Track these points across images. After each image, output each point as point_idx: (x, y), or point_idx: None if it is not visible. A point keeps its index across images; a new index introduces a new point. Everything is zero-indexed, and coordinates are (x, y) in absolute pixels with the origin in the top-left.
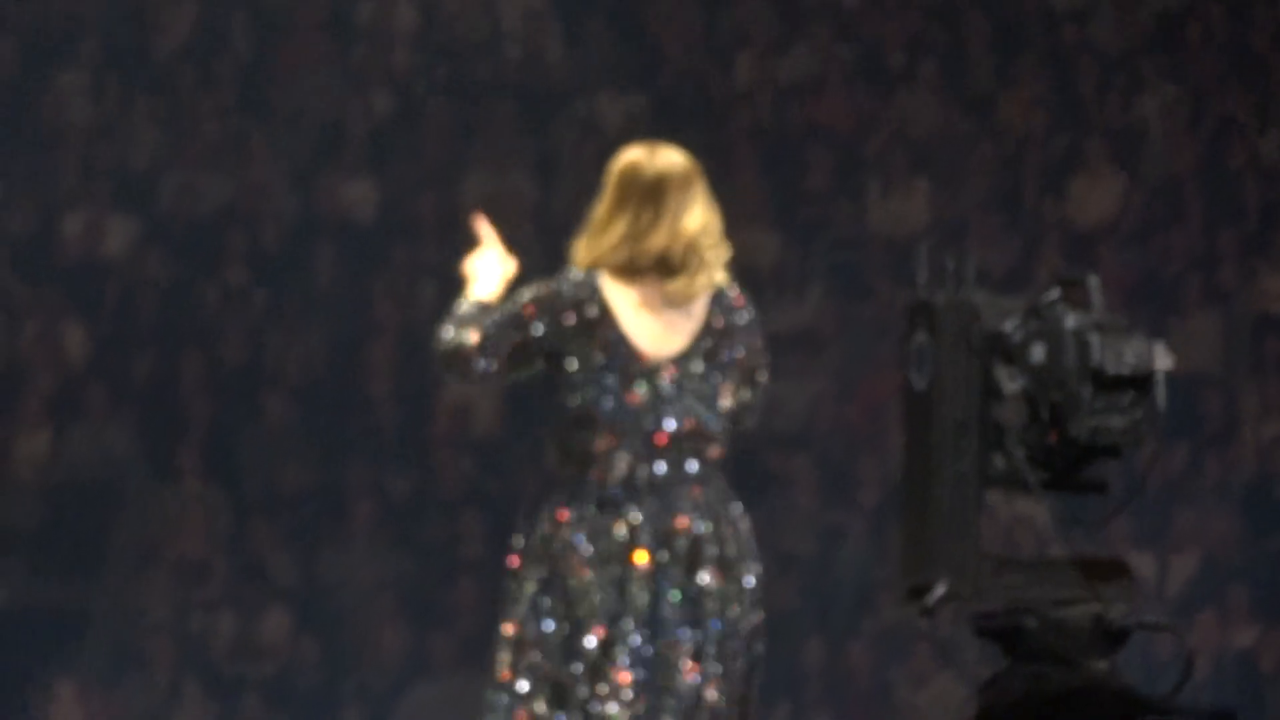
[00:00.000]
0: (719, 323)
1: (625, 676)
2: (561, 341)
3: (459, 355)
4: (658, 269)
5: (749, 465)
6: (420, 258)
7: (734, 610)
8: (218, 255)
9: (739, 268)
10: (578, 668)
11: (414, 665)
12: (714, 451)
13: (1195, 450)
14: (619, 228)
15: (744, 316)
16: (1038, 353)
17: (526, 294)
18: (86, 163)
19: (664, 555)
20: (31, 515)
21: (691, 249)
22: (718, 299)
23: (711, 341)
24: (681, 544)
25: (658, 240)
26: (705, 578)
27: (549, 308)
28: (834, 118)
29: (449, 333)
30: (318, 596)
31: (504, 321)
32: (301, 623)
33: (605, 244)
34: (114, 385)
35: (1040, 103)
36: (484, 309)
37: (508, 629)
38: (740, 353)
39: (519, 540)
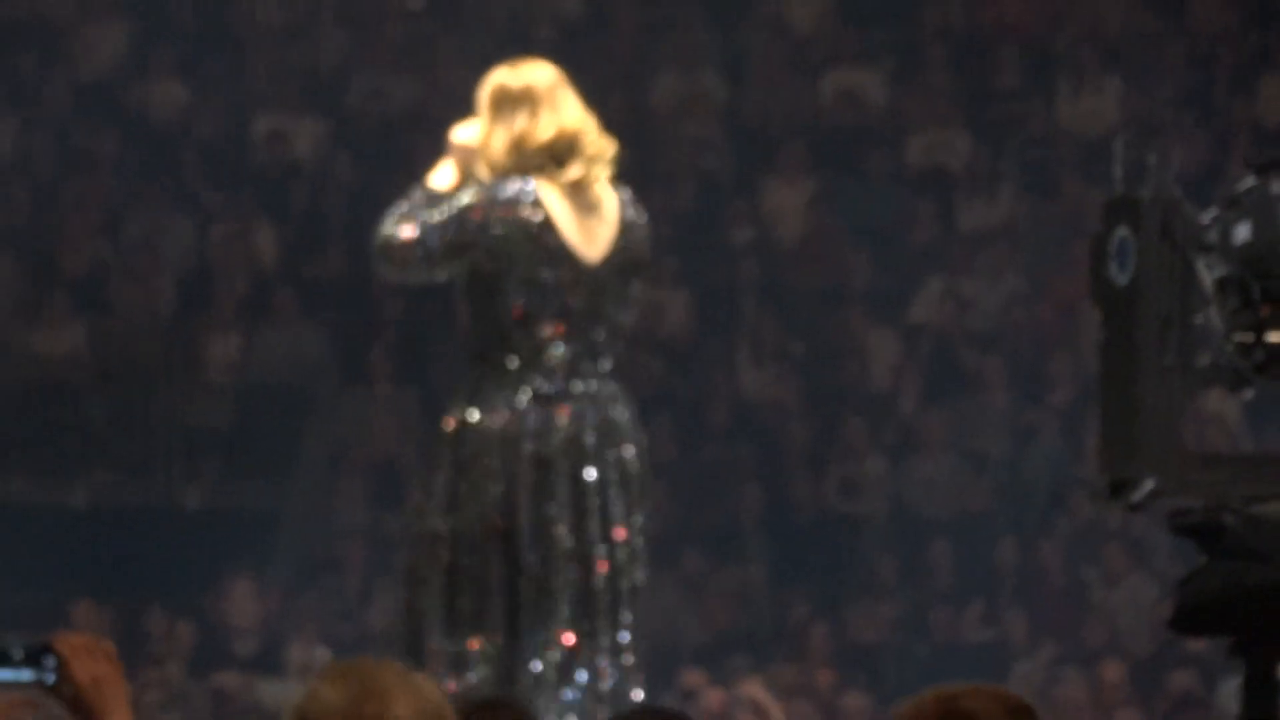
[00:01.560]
0: (628, 224)
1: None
2: (500, 242)
3: (398, 250)
4: (552, 163)
5: (943, 364)
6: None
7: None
8: (406, 157)
9: (933, 167)
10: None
11: None
12: (620, 348)
13: None
14: (501, 136)
15: (644, 217)
16: (1242, 232)
17: (467, 196)
18: (275, 66)
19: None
20: (223, 417)
21: (575, 139)
22: (623, 201)
23: (623, 243)
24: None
25: (542, 136)
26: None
27: (488, 208)
28: (1024, 16)
29: (387, 226)
30: None
31: (446, 220)
32: None
33: (494, 154)
34: (304, 288)
35: (1232, 2)
36: (431, 199)
37: None
38: (644, 254)
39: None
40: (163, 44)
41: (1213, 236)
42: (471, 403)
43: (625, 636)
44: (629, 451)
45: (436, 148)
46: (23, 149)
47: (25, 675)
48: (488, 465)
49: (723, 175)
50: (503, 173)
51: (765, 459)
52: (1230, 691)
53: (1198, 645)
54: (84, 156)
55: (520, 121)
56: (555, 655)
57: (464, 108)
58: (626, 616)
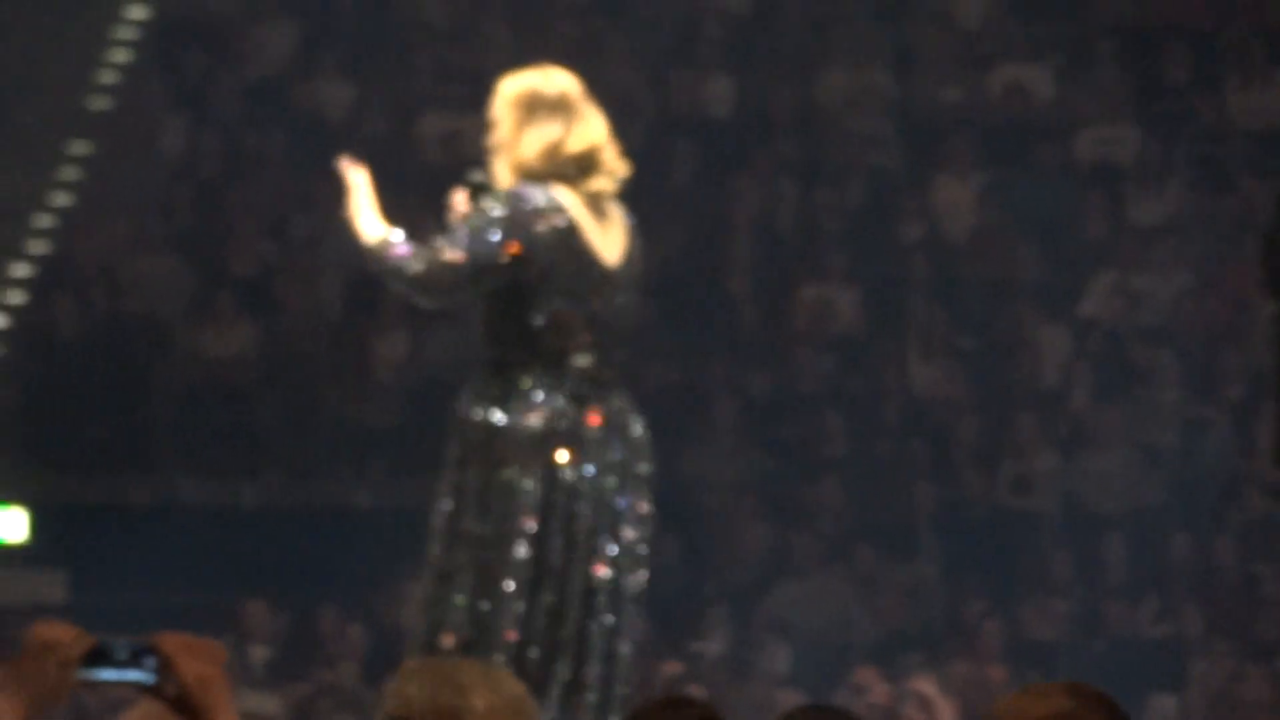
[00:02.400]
0: (631, 231)
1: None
2: (539, 250)
3: (446, 276)
4: (578, 172)
5: (1114, 359)
6: (779, 154)
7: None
8: None
9: (1103, 161)
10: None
11: (776, 564)
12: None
13: None
14: (534, 142)
15: (632, 222)
16: None
17: (497, 210)
18: (442, 65)
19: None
20: (391, 416)
21: (602, 152)
22: (622, 209)
23: (633, 253)
24: None
25: (574, 147)
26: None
27: (522, 222)
28: (1193, 10)
29: (420, 262)
30: (679, 495)
31: (484, 238)
32: (663, 522)
33: (524, 157)
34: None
35: None
36: (400, 234)
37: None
38: (644, 266)
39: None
40: (330, 44)
41: None
42: (502, 406)
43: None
44: (643, 462)
45: None
46: (191, 149)
47: (130, 675)
48: (523, 468)
49: (892, 171)
50: (527, 177)
51: (937, 455)
52: None
53: None
54: (252, 157)
55: (555, 129)
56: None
57: (633, 104)
58: (624, 619)
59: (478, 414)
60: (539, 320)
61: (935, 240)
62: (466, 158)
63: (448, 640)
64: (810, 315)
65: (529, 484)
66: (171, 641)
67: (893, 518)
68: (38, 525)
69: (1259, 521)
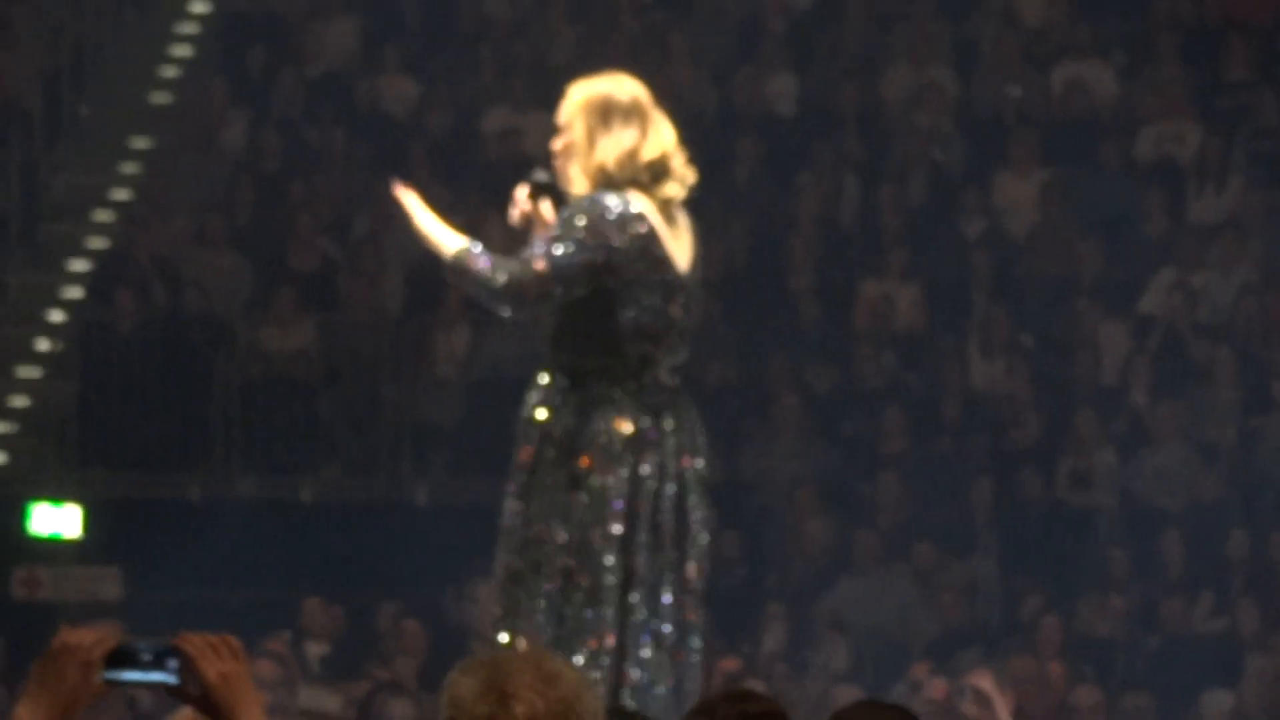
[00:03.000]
0: (697, 236)
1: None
2: (621, 256)
3: (532, 287)
4: (651, 179)
5: (1173, 355)
6: (842, 150)
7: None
8: None
9: (1163, 159)
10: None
11: (835, 561)
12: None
13: None
14: (611, 148)
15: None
16: None
17: (581, 219)
18: (505, 62)
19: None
20: (451, 413)
21: (673, 159)
22: (687, 215)
23: (698, 259)
24: None
25: (650, 154)
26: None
27: (605, 231)
28: (1253, 8)
29: (505, 273)
30: (739, 492)
31: (571, 248)
32: (723, 518)
33: (602, 163)
34: None
35: None
36: (478, 245)
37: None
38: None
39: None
40: (393, 39)
41: None
42: (583, 413)
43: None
44: (701, 463)
45: None
46: (252, 145)
47: (153, 676)
48: (609, 474)
49: (954, 167)
50: (603, 184)
51: (996, 451)
52: None
53: None
54: (313, 153)
55: (631, 135)
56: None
57: (697, 101)
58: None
59: (556, 420)
60: (620, 328)
61: (996, 237)
62: (528, 154)
63: (522, 645)
64: (871, 312)
65: (616, 491)
66: (193, 642)
67: (951, 514)
68: (92, 522)
69: None
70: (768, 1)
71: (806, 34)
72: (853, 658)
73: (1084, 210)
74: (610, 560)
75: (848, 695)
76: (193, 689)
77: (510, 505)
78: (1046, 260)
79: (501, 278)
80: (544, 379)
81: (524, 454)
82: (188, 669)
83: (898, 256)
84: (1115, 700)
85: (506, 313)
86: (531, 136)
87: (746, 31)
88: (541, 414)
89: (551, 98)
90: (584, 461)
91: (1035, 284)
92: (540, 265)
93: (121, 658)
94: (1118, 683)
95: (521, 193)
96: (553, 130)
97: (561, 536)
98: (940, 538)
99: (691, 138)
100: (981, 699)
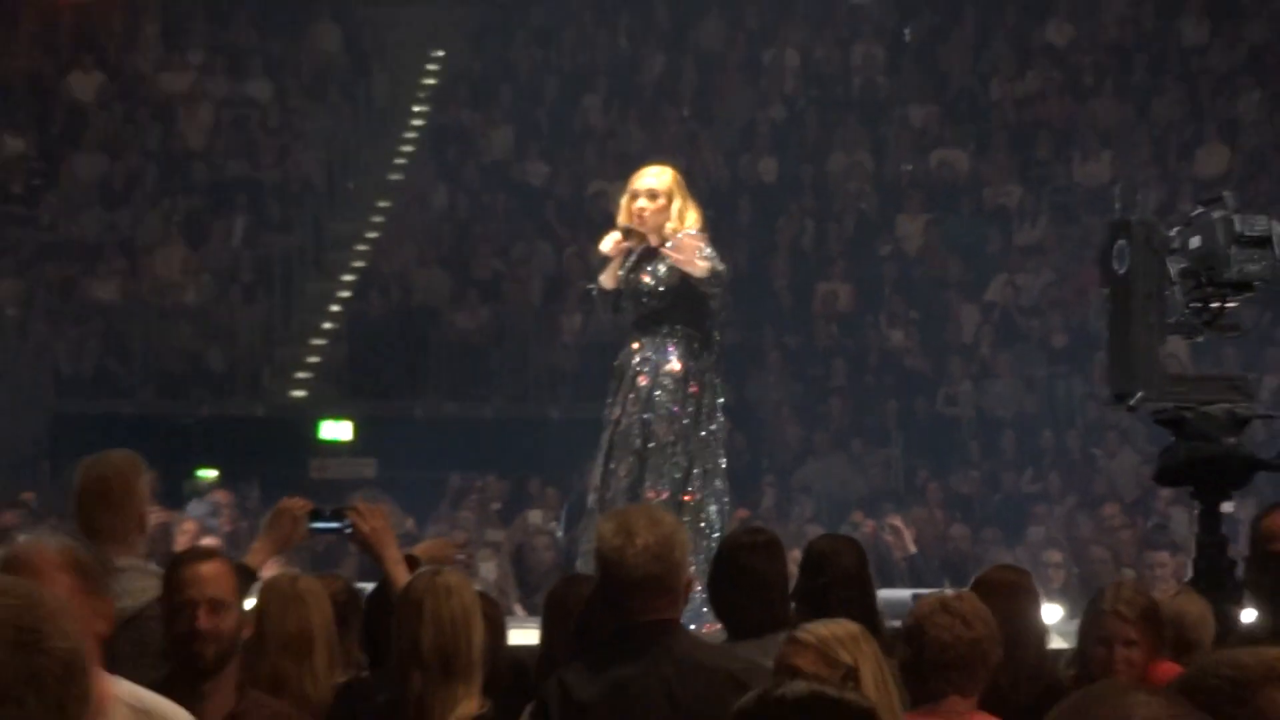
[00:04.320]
0: None
1: None
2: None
3: (723, 278)
4: None
5: (1005, 325)
6: (803, 204)
7: None
8: None
9: (999, 206)
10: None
11: (804, 449)
12: None
13: None
14: (695, 213)
15: None
16: (1194, 241)
17: (708, 248)
18: (600, 151)
19: None
20: (571, 362)
21: None
22: None
23: None
24: None
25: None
26: None
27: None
28: (1050, 113)
29: (718, 264)
30: (746, 409)
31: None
32: (735, 425)
33: (691, 223)
34: None
35: None
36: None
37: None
38: None
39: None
40: (533, 139)
41: (1176, 244)
42: (712, 371)
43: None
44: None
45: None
46: (450, 204)
47: (332, 526)
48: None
49: (872, 213)
50: (699, 228)
51: (900, 384)
52: None
53: None
54: (486, 209)
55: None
56: None
57: (713, 176)
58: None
59: (696, 370)
60: (714, 319)
61: (898, 255)
62: (611, 211)
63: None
64: (823, 300)
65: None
66: (356, 509)
67: (873, 422)
68: (358, 430)
69: (1094, 422)
70: (758, 116)
71: (781, 134)
72: (815, 509)
73: (950, 237)
74: (724, 464)
75: (814, 531)
76: (357, 536)
77: (675, 411)
78: (929, 268)
79: (718, 267)
80: (682, 346)
81: (692, 387)
82: (353, 524)
83: (839, 267)
84: (976, 533)
85: (717, 295)
86: (612, 199)
87: (745, 134)
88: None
89: (626, 173)
90: (693, 388)
91: (922, 282)
92: (720, 265)
93: (315, 515)
94: (976, 523)
95: (614, 236)
96: (619, 194)
97: (698, 436)
98: (868, 436)
99: (713, 197)
100: (896, 532)
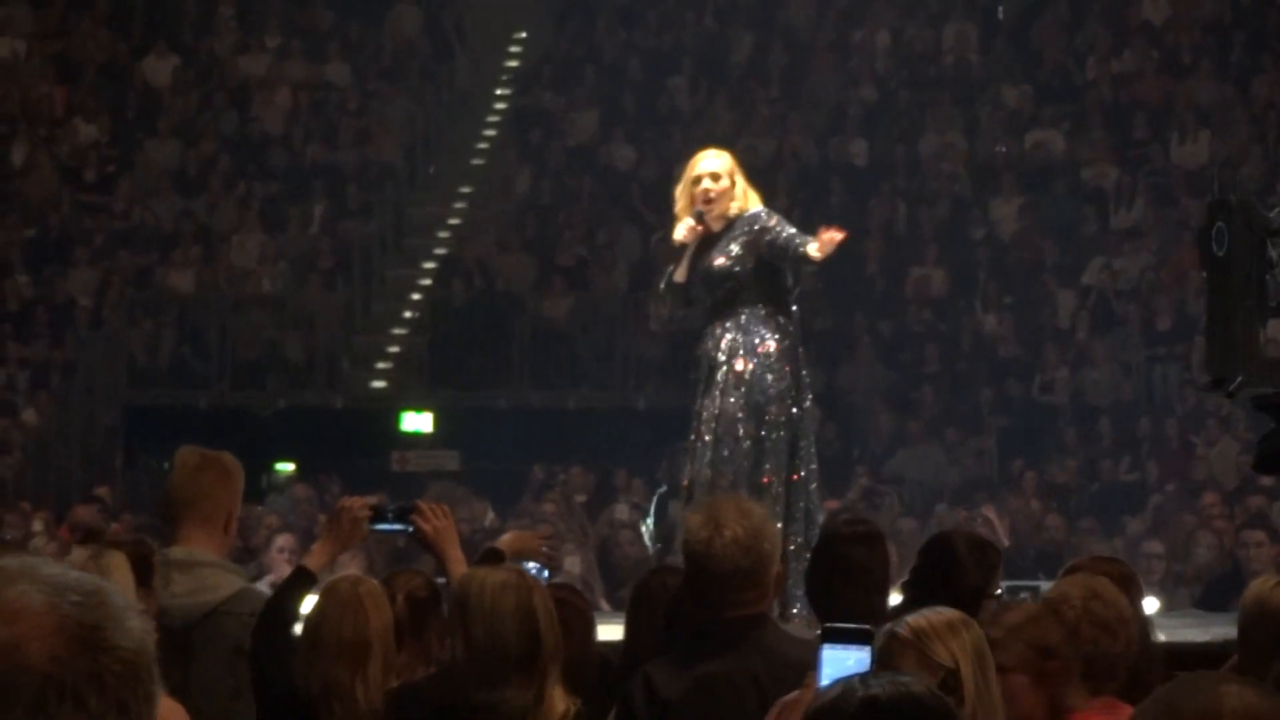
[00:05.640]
0: None
1: None
2: None
3: None
4: None
5: (1102, 310)
6: (896, 185)
7: None
8: None
9: (1096, 188)
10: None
11: (896, 439)
12: None
13: None
14: (754, 193)
15: None
16: None
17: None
18: (687, 135)
19: None
20: (658, 352)
21: None
22: None
23: None
24: None
25: None
26: None
27: None
28: (1148, 93)
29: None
30: (836, 396)
31: None
32: (825, 414)
33: (750, 201)
34: None
35: None
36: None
37: None
38: None
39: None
40: (620, 122)
41: (1277, 225)
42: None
43: None
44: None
45: None
46: (534, 189)
47: (395, 527)
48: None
49: (965, 195)
50: (756, 204)
51: (993, 370)
52: None
53: None
54: (571, 193)
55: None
56: None
57: (803, 157)
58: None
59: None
60: (791, 293)
61: (992, 239)
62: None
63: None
64: (915, 285)
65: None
66: (420, 509)
67: (966, 409)
68: (440, 421)
69: (1195, 408)
70: (849, 94)
71: (872, 115)
72: (907, 500)
73: (1046, 221)
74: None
75: (907, 525)
76: (420, 536)
77: (779, 391)
78: (1024, 252)
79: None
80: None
81: (785, 374)
82: (416, 525)
83: (931, 251)
84: (1072, 524)
85: (797, 275)
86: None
87: (835, 114)
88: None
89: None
90: (788, 365)
91: (1017, 267)
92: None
93: (377, 515)
94: (1072, 513)
95: (689, 220)
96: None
97: (790, 417)
98: (960, 424)
99: (802, 179)
100: (988, 522)
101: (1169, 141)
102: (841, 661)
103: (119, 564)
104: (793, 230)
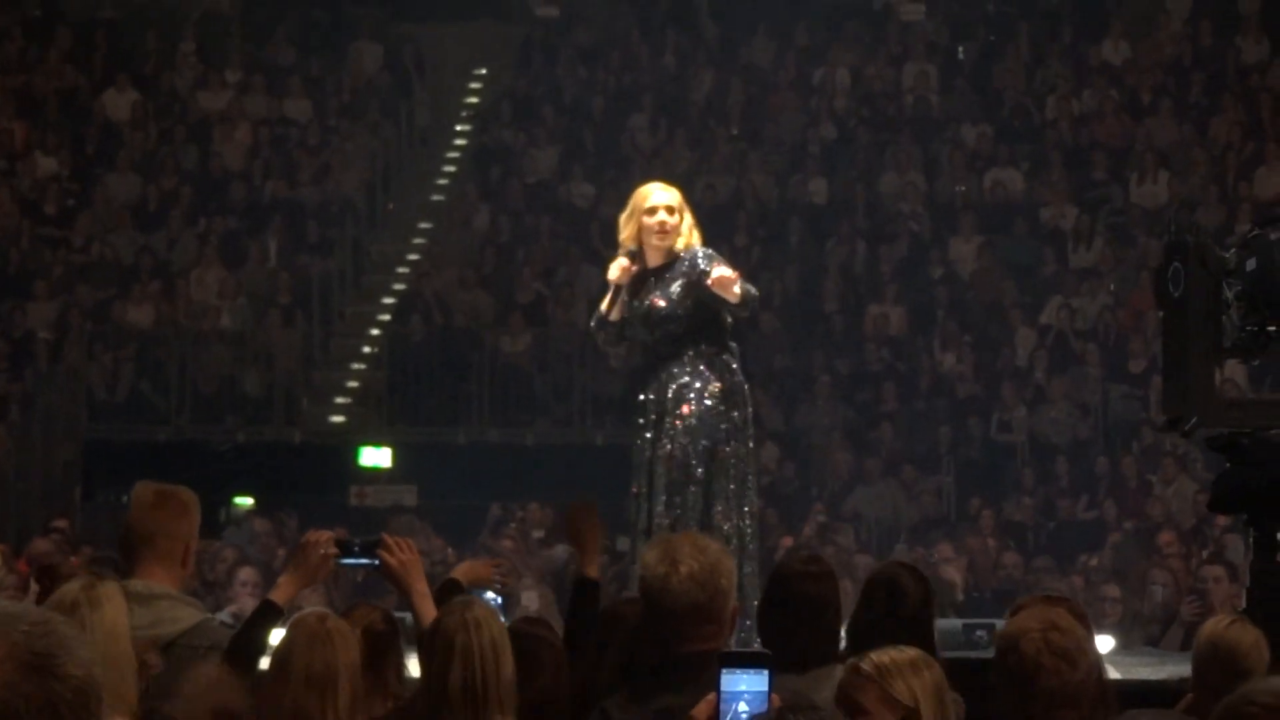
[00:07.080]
0: None
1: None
2: None
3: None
4: None
5: (1060, 349)
6: (855, 225)
7: None
8: None
9: (1055, 228)
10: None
11: (854, 477)
12: None
13: None
14: (694, 230)
15: None
16: (1251, 263)
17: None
18: (646, 172)
19: None
20: (616, 387)
21: None
22: None
23: None
24: None
25: None
26: None
27: None
28: (1107, 134)
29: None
30: (794, 434)
31: None
32: (783, 451)
33: (695, 238)
34: None
35: None
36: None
37: None
38: None
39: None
40: (578, 160)
41: (1233, 265)
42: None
43: None
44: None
45: None
46: (493, 226)
47: (361, 561)
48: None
49: (924, 234)
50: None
51: (952, 409)
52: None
53: None
54: (530, 230)
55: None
56: None
57: (762, 196)
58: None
59: (734, 385)
60: (729, 331)
61: (951, 277)
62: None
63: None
64: (873, 323)
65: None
66: (385, 543)
67: (924, 447)
68: (398, 457)
69: (1150, 447)
70: (808, 133)
71: (832, 153)
72: (864, 537)
73: (1005, 260)
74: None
75: (863, 561)
76: (385, 570)
77: (722, 425)
78: (983, 291)
79: (754, 291)
80: (715, 367)
81: (730, 401)
82: (382, 559)
83: (890, 289)
84: (1029, 562)
85: (744, 315)
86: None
87: (795, 153)
88: (733, 379)
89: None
90: (735, 404)
91: (975, 306)
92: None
93: (344, 550)
94: (1029, 551)
95: (624, 258)
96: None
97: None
98: (918, 463)
99: (762, 218)
100: (951, 580)
101: (1128, 181)
102: (735, 684)
103: (112, 594)
104: (724, 267)
